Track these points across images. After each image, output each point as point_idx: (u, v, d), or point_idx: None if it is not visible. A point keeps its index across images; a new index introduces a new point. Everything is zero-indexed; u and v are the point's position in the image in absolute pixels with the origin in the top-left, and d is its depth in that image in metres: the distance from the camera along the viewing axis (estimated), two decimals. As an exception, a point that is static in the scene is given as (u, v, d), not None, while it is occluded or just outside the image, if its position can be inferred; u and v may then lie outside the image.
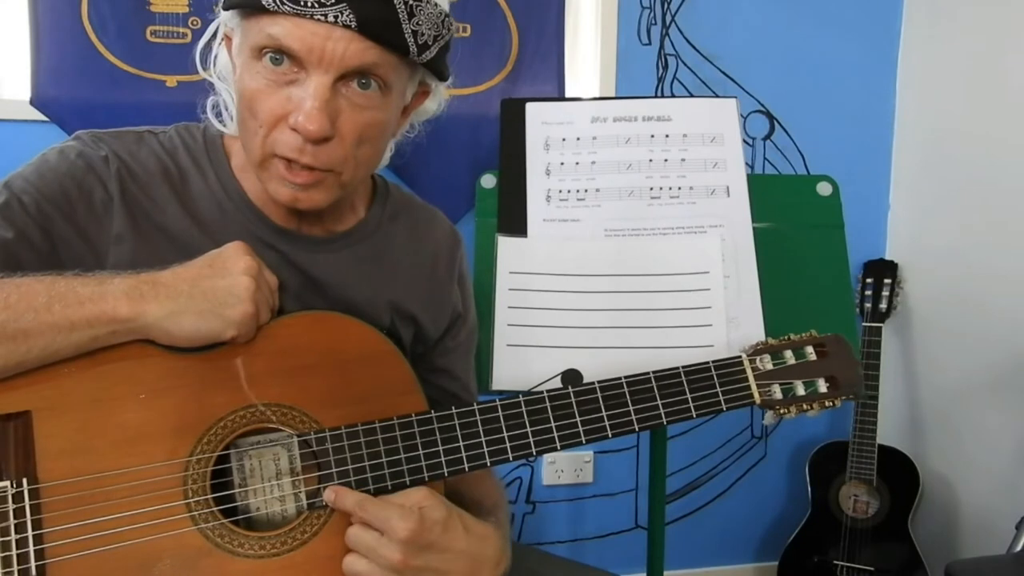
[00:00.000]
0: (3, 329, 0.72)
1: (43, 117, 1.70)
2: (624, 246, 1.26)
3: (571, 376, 1.19)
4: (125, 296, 0.76)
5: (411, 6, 0.80)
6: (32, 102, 1.69)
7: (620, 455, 2.15)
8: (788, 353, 0.94)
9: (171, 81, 1.77)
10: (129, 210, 0.86)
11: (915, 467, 2.02)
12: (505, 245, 1.26)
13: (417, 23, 0.81)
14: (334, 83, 0.80)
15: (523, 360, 1.20)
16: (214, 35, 0.91)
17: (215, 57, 0.92)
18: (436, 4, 0.83)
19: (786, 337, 0.96)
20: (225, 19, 0.86)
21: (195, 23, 1.77)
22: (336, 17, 0.76)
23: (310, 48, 0.78)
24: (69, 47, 1.70)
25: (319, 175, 0.83)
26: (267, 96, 0.80)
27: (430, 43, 0.84)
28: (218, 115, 0.93)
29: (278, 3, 0.76)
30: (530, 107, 1.34)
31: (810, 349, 0.95)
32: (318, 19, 0.76)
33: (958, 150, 2.05)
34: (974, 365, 1.99)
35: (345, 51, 0.78)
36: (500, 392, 1.18)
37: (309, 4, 0.76)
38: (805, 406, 0.93)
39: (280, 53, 0.79)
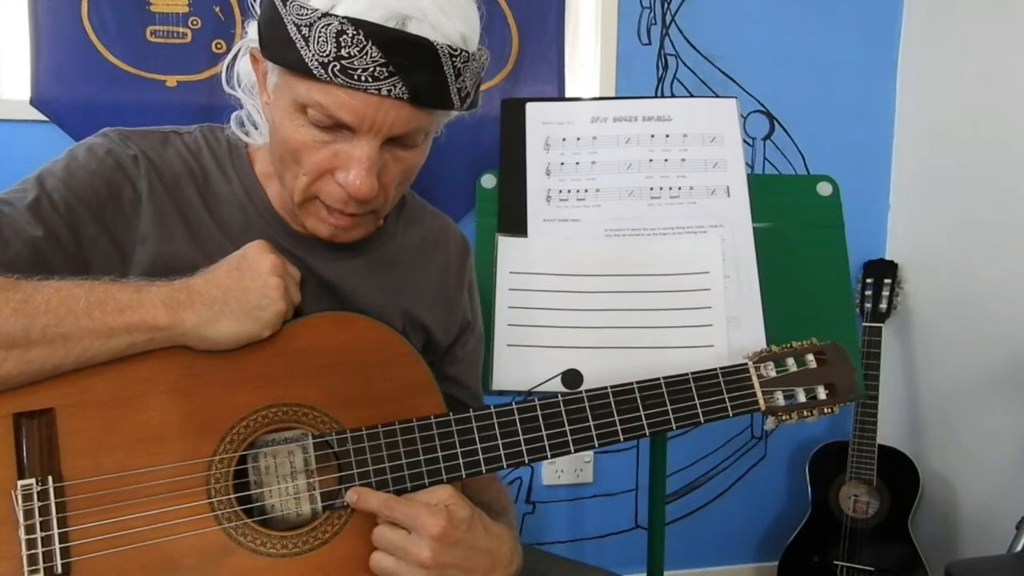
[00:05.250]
0: (44, 332, 0.73)
1: (43, 117, 1.70)
2: (624, 246, 1.26)
3: (571, 376, 1.19)
4: (163, 304, 0.77)
5: (459, 68, 0.79)
6: (32, 102, 1.69)
7: (620, 455, 2.15)
8: (790, 360, 0.97)
9: (171, 81, 1.77)
10: (156, 210, 0.86)
11: (915, 467, 2.02)
12: (505, 245, 1.26)
13: (463, 81, 0.81)
14: (381, 144, 0.81)
15: (523, 360, 1.20)
16: (237, 52, 0.91)
17: (237, 69, 0.92)
18: (477, 57, 0.83)
19: (788, 345, 0.99)
20: (253, 42, 0.84)
21: (195, 23, 1.77)
22: (389, 91, 0.76)
23: (362, 118, 0.78)
24: (69, 47, 1.70)
25: (359, 218, 0.86)
26: (313, 151, 0.81)
27: (472, 92, 0.84)
28: (240, 124, 0.93)
29: (331, 75, 0.75)
30: (530, 107, 1.33)
31: (811, 357, 0.98)
32: (371, 92, 0.76)
33: (958, 150, 2.05)
34: (974, 365, 1.99)
35: (396, 119, 0.79)
36: (501, 392, 1.18)
37: (363, 78, 0.75)
38: (806, 412, 0.95)
39: (329, 118, 0.79)
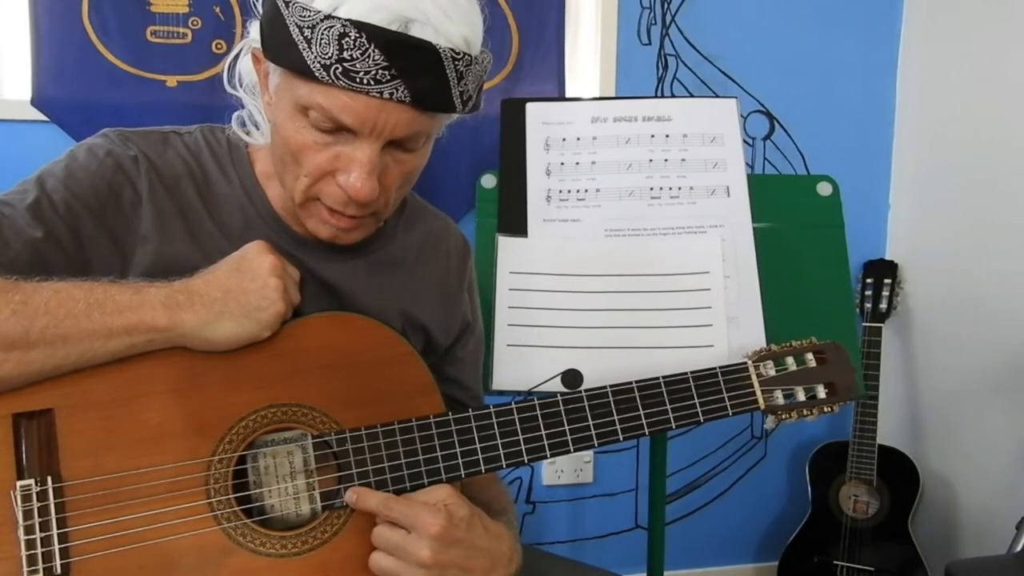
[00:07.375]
0: (43, 334, 0.73)
1: (43, 117, 1.70)
2: (624, 246, 1.26)
3: (571, 376, 1.19)
4: (163, 306, 0.77)
5: (461, 72, 0.79)
6: (32, 102, 1.69)
7: (620, 455, 2.16)
8: (790, 360, 0.97)
9: (171, 81, 1.77)
10: (156, 211, 0.86)
11: (915, 467, 2.02)
12: (505, 245, 1.26)
13: (465, 84, 0.81)
14: (382, 147, 0.80)
15: (523, 360, 1.20)
16: (239, 51, 0.91)
17: (238, 68, 0.91)
18: (480, 60, 0.82)
19: (788, 344, 0.99)
20: (255, 42, 0.84)
21: (195, 23, 1.77)
22: (391, 94, 0.76)
23: (363, 121, 0.78)
24: (69, 47, 1.70)
25: (360, 220, 0.86)
26: (314, 152, 0.81)
27: (474, 95, 0.84)
28: (241, 124, 0.93)
29: (333, 77, 0.75)
30: (530, 107, 1.33)
31: (810, 356, 0.98)
32: (373, 95, 0.76)
33: (958, 150, 2.05)
34: (974, 365, 1.99)
35: (397, 122, 0.78)
36: (501, 392, 1.18)
37: (365, 81, 0.75)
38: (805, 411, 0.96)
39: (331, 121, 0.79)
